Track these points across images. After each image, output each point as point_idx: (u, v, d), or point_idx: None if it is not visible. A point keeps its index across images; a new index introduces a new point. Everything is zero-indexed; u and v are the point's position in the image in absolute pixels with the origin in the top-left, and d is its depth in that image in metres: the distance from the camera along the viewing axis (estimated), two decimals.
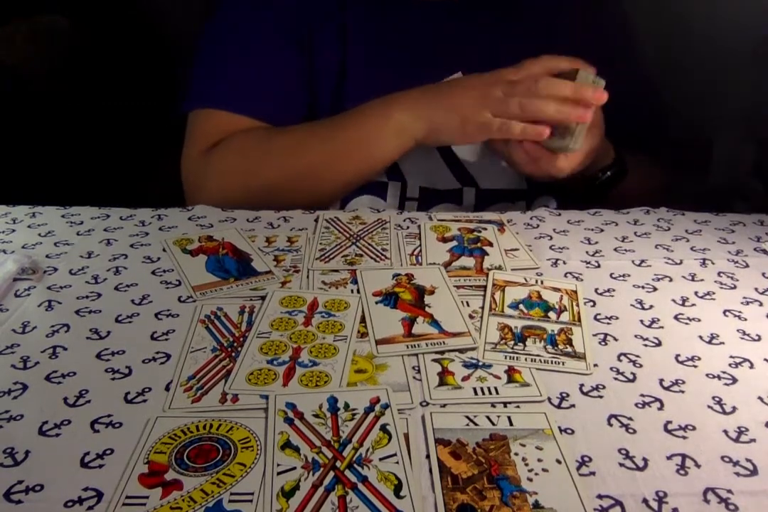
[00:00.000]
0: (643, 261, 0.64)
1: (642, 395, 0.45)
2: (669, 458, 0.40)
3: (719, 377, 0.47)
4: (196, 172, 0.82)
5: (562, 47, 0.72)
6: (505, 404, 0.44)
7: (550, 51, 0.72)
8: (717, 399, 0.45)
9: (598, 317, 0.55)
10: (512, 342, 0.50)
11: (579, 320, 0.54)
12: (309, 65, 0.83)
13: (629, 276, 0.61)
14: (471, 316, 0.54)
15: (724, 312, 0.56)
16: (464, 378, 0.46)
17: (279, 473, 0.38)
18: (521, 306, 0.55)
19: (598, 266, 0.63)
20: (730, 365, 0.49)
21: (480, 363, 0.48)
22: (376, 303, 0.55)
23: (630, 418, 0.43)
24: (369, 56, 0.82)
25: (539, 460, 0.39)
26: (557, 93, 0.67)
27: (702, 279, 0.61)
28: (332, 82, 0.83)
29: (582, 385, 0.46)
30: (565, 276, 0.61)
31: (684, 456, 0.40)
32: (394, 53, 0.83)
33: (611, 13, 0.90)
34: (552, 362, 0.48)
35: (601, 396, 0.45)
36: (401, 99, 0.75)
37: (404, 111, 0.73)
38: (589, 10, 0.87)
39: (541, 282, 0.59)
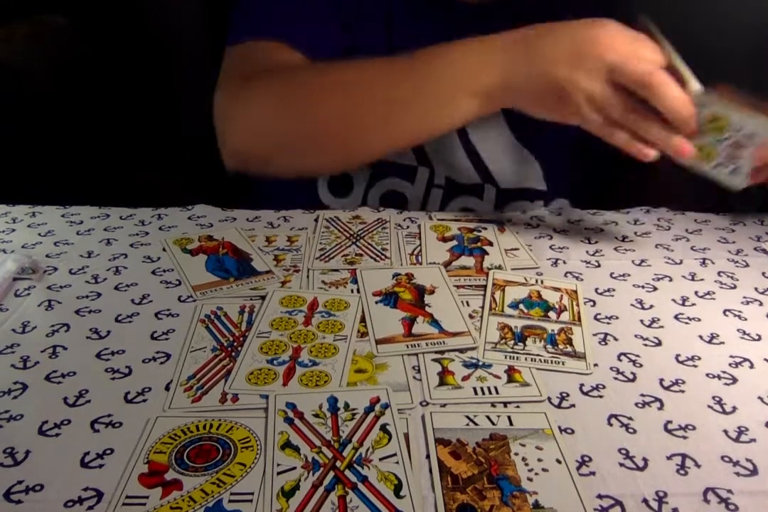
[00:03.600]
0: (643, 261, 0.64)
1: (642, 395, 0.45)
2: (669, 458, 0.40)
3: (719, 377, 0.47)
4: (229, 101, 0.72)
5: None
6: (505, 404, 0.44)
7: None
8: (717, 399, 0.45)
9: (598, 317, 0.55)
10: (512, 342, 0.50)
11: (579, 320, 0.54)
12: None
13: (629, 275, 0.61)
14: (471, 316, 0.54)
15: (724, 311, 0.56)
16: (464, 378, 0.46)
17: (279, 473, 0.38)
18: (521, 305, 0.55)
19: (598, 266, 0.63)
20: (730, 365, 0.49)
21: (480, 363, 0.48)
22: (376, 302, 0.55)
23: (630, 418, 0.43)
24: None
25: (539, 460, 0.39)
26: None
27: (702, 279, 0.61)
28: None
29: (582, 385, 0.46)
30: (565, 275, 0.61)
31: (684, 456, 0.40)
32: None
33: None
34: (552, 362, 0.48)
35: (601, 396, 0.45)
36: (494, 57, 0.61)
37: (494, 76, 0.61)
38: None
39: (541, 282, 0.59)
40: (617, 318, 0.54)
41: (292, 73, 0.71)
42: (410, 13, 0.81)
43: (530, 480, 0.38)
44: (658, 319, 0.54)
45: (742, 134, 0.59)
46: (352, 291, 0.57)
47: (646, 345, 0.51)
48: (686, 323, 0.54)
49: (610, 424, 0.43)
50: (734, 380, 0.47)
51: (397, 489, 0.37)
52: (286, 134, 0.68)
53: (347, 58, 0.70)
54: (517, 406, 0.44)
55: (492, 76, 0.61)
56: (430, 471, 0.38)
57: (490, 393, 0.45)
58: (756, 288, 0.59)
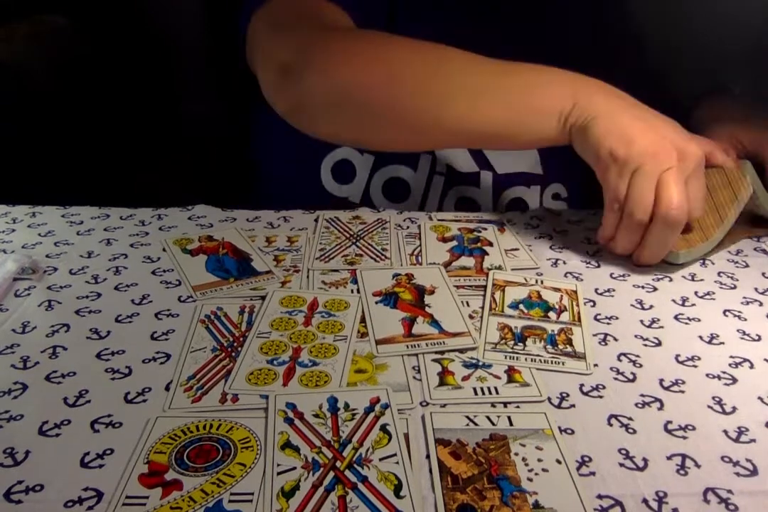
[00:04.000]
0: None
1: (642, 395, 0.45)
2: (669, 458, 0.40)
3: (719, 377, 0.47)
4: (306, 44, 0.68)
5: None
6: (505, 404, 0.44)
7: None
8: (717, 399, 0.45)
9: (598, 317, 0.55)
10: (512, 342, 0.50)
11: (579, 320, 0.54)
12: None
13: (629, 276, 0.61)
14: (471, 316, 0.54)
15: (724, 312, 0.56)
16: (464, 378, 0.46)
17: (279, 473, 0.38)
18: (521, 306, 0.55)
19: (598, 266, 0.63)
20: (730, 365, 0.49)
21: (480, 363, 0.48)
22: (376, 303, 0.55)
23: (630, 418, 0.43)
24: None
25: (539, 460, 0.39)
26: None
27: (702, 279, 0.61)
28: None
29: (582, 385, 0.46)
30: (565, 276, 0.61)
31: (684, 456, 0.40)
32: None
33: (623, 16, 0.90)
34: (552, 362, 0.48)
35: (601, 396, 0.45)
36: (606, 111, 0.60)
37: (583, 111, 0.60)
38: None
39: (541, 282, 0.59)
40: (617, 318, 0.54)
41: (382, 39, 0.68)
42: (413, 12, 0.81)
43: (530, 480, 0.38)
44: (658, 319, 0.54)
45: None
46: (352, 291, 0.57)
47: (646, 345, 0.51)
48: (686, 323, 0.54)
49: (610, 424, 0.43)
50: (734, 380, 0.47)
51: (397, 490, 0.37)
52: (367, 97, 0.66)
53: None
54: (517, 406, 0.44)
55: (583, 110, 0.60)
56: (430, 471, 0.38)
57: (490, 393, 0.45)
58: (756, 289, 0.59)
